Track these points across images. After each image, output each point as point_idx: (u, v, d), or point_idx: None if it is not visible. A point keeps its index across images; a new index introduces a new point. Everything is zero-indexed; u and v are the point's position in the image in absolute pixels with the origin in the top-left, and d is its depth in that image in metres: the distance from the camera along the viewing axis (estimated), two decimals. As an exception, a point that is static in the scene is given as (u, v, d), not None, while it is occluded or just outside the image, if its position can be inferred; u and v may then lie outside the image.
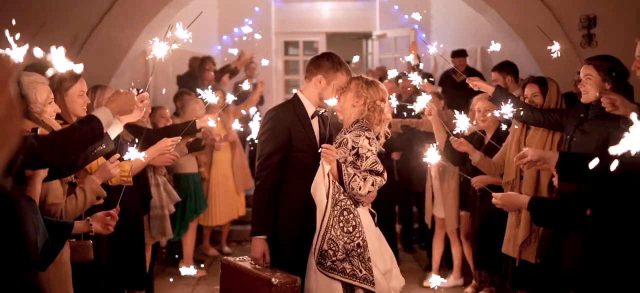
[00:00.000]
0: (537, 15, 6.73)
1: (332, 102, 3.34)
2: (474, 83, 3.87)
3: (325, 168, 3.23)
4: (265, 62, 8.03)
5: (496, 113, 3.96)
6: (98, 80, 4.86)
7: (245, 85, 5.13)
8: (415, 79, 4.75)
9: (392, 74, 6.96)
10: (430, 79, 7.35)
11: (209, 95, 3.44)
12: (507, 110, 3.81)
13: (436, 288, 5.38)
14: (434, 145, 3.83)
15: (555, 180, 3.22)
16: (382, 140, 3.49)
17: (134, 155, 3.18)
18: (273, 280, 3.04)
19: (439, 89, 6.71)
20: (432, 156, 3.62)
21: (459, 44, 8.76)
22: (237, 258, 3.41)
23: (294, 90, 3.60)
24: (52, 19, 6.37)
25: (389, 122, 3.52)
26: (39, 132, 2.42)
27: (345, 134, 3.38)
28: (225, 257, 3.50)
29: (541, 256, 3.66)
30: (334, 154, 3.25)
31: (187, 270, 6.09)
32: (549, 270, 3.36)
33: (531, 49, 6.67)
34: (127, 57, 7.12)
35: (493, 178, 4.33)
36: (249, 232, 3.54)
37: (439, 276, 5.58)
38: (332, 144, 3.43)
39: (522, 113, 3.76)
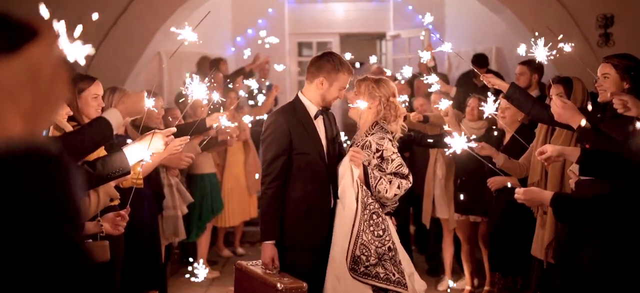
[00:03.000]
0: (552, 14, 6.65)
1: (361, 104, 3.29)
2: (488, 79, 3.82)
3: (355, 172, 3.20)
4: (279, 68, 8.07)
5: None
6: (113, 81, 4.90)
7: (253, 84, 5.13)
8: (432, 79, 4.78)
9: (407, 73, 6.93)
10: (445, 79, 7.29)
11: (214, 95, 3.43)
12: (489, 109, 3.80)
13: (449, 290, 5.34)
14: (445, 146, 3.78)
15: (572, 183, 3.18)
16: (399, 134, 3.46)
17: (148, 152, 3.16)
18: (278, 285, 3.05)
19: (453, 89, 6.63)
20: (458, 143, 3.35)
21: (474, 44, 8.69)
22: (250, 263, 3.42)
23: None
24: (67, 21, 6.42)
25: (404, 115, 3.49)
26: (50, 133, 2.43)
27: (366, 136, 3.36)
28: (239, 261, 3.51)
29: (557, 258, 3.61)
30: (363, 157, 3.22)
31: (201, 271, 6.10)
32: (567, 272, 3.31)
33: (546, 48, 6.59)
34: (142, 58, 7.17)
35: (509, 179, 4.28)
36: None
37: (452, 279, 5.53)
38: (337, 141, 3.41)
39: (532, 111, 3.69)
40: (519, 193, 3.07)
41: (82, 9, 6.65)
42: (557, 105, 3.09)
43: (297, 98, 3.48)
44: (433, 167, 5.57)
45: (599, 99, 3.31)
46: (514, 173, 4.21)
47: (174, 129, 2.95)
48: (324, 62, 3.40)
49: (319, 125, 3.43)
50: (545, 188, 3.81)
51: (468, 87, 6.79)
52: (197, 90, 2.91)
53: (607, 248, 2.93)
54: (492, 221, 4.65)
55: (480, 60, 7.16)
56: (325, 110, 3.48)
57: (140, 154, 2.80)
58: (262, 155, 3.42)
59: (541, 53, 3.26)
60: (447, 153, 3.81)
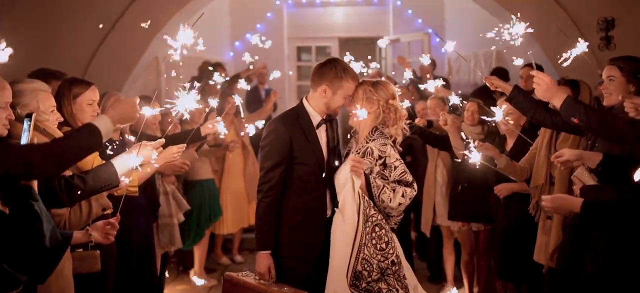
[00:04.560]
0: (553, 17, 6.60)
1: (362, 114, 3.18)
2: (491, 81, 3.75)
3: (356, 183, 3.08)
4: (276, 74, 8.04)
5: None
6: (110, 87, 4.83)
7: (243, 84, 5.09)
8: (429, 84, 4.74)
9: (407, 75, 6.90)
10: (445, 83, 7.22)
11: (212, 102, 3.36)
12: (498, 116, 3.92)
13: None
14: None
15: (576, 189, 3.11)
16: (400, 138, 3.35)
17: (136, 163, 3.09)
18: None
19: (451, 94, 6.59)
20: (475, 155, 3.54)
21: (474, 47, 8.64)
22: (241, 273, 3.33)
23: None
24: (65, 27, 6.37)
25: (404, 118, 3.39)
26: (33, 135, 2.35)
27: (367, 142, 3.23)
28: (227, 273, 3.41)
29: (560, 263, 3.54)
30: (364, 166, 3.10)
31: (198, 280, 6.03)
32: (570, 277, 3.25)
33: (547, 52, 6.53)
34: (139, 64, 7.11)
35: (518, 185, 4.21)
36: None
37: (455, 287, 5.46)
38: (339, 149, 3.32)
39: (535, 114, 3.62)
40: (547, 200, 3.00)
41: (81, 14, 6.63)
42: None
43: (301, 105, 3.37)
44: (433, 173, 5.50)
45: (604, 103, 3.23)
46: (515, 176, 4.14)
47: (162, 141, 2.88)
48: (327, 69, 3.28)
49: (321, 134, 3.32)
50: (549, 193, 3.75)
51: (482, 97, 6.73)
52: (186, 101, 2.82)
53: (612, 253, 2.88)
54: (500, 228, 4.53)
55: (499, 75, 7.07)
56: (329, 119, 3.37)
57: (129, 165, 2.73)
58: (260, 162, 3.33)
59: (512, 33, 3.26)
60: (472, 162, 3.79)
